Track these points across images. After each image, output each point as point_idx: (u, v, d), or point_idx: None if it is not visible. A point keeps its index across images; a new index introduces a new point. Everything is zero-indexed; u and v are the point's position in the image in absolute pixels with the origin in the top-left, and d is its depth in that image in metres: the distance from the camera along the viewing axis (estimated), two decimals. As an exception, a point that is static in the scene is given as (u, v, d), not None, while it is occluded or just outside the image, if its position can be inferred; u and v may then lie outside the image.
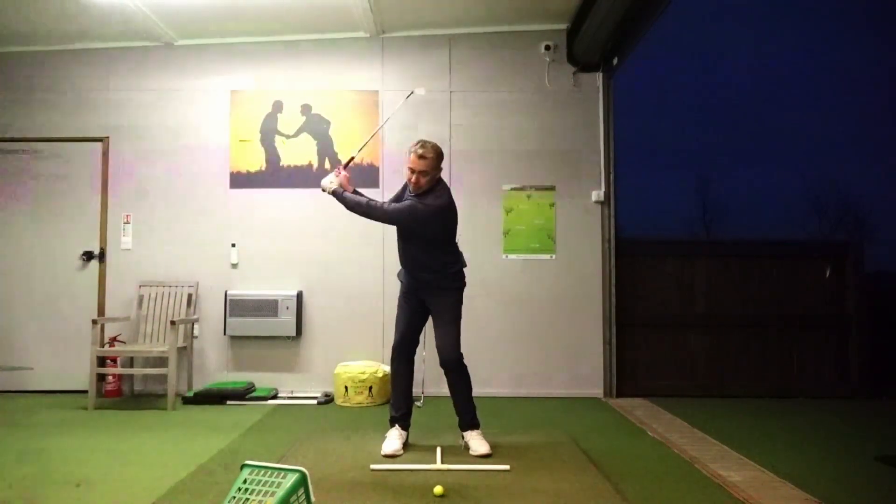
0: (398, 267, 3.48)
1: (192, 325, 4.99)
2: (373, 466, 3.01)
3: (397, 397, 3.40)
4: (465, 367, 3.35)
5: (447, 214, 3.28)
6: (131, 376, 4.93)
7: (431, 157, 3.19)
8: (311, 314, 5.06)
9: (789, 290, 5.21)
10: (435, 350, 3.33)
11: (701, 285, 5.22)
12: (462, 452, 3.26)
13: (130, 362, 4.88)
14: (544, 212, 5.11)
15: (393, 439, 3.30)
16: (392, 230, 3.41)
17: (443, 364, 3.32)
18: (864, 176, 42.39)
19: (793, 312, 5.19)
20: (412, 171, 3.20)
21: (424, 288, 3.35)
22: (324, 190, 3.33)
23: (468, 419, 3.37)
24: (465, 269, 3.41)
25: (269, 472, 2.17)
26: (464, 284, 3.40)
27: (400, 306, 3.44)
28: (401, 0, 4.67)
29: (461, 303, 3.38)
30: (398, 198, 3.44)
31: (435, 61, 5.17)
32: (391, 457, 3.18)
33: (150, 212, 5.10)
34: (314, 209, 5.08)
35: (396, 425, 3.37)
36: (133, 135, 5.13)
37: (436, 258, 3.30)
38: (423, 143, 3.23)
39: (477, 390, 3.43)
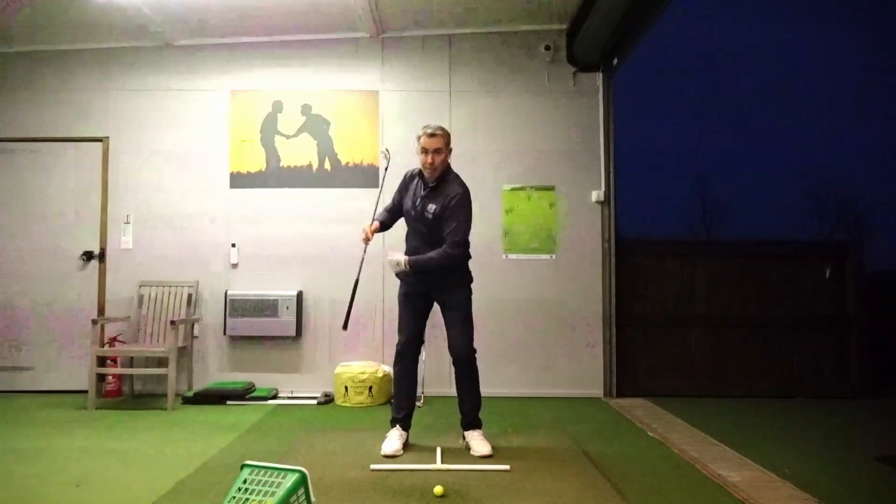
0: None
1: (192, 325, 4.99)
2: (373, 466, 3.01)
3: (400, 398, 3.39)
4: (476, 362, 3.36)
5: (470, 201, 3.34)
6: (131, 376, 4.93)
7: (441, 133, 3.24)
8: (311, 314, 5.05)
9: (789, 290, 5.21)
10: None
11: (701, 285, 5.21)
12: (462, 452, 3.26)
13: (130, 362, 4.88)
14: (544, 212, 5.11)
15: (393, 439, 3.29)
16: (398, 228, 3.41)
17: (458, 359, 3.32)
18: (864, 176, 42.39)
19: (793, 312, 5.18)
20: (426, 151, 3.22)
21: (437, 285, 3.32)
22: (398, 272, 3.31)
23: (472, 417, 3.37)
24: None
25: (269, 472, 2.17)
26: (472, 280, 3.42)
27: (405, 307, 3.39)
28: (401, 0, 4.67)
29: (471, 299, 3.40)
30: (397, 203, 3.45)
31: (435, 61, 5.17)
32: (391, 457, 3.18)
33: (150, 212, 5.10)
34: (314, 209, 5.09)
35: (397, 425, 3.37)
36: (133, 135, 5.13)
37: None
38: (428, 125, 3.27)
39: (477, 390, 3.43)
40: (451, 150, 3.31)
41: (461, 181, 3.33)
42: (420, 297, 3.38)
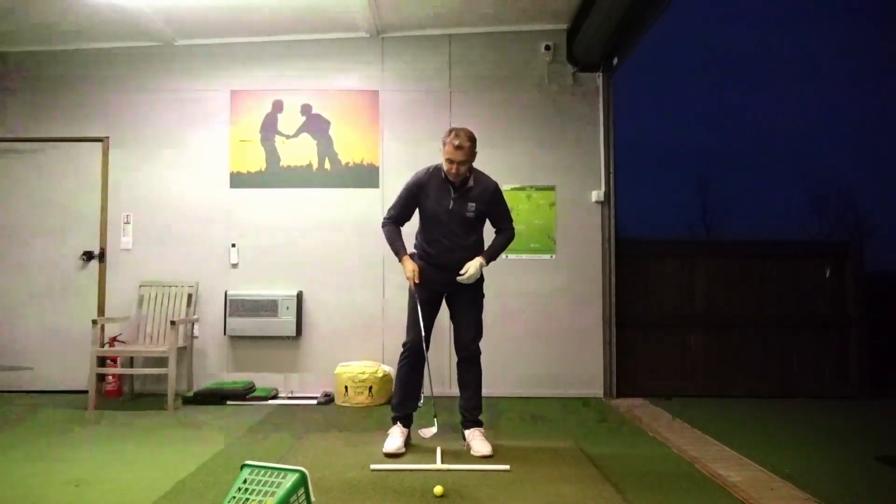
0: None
1: (192, 325, 4.99)
2: (373, 466, 3.00)
3: (404, 398, 3.38)
4: (480, 361, 3.39)
5: None
6: (131, 376, 4.92)
7: (468, 145, 3.18)
8: (311, 314, 5.05)
9: (789, 290, 5.21)
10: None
11: (701, 285, 5.21)
12: (462, 452, 3.26)
13: (130, 362, 4.88)
14: (544, 212, 5.11)
15: (395, 437, 3.29)
16: (412, 224, 3.43)
17: (466, 356, 3.35)
18: (865, 176, 42.38)
19: (793, 312, 5.18)
20: (451, 161, 3.18)
21: (463, 283, 3.30)
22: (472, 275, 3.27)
23: (475, 415, 3.37)
24: None
25: (269, 472, 2.17)
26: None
27: (422, 305, 3.29)
28: (401, 0, 4.66)
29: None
30: (410, 208, 3.38)
31: (435, 61, 5.17)
32: (393, 455, 3.18)
33: (150, 212, 5.10)
34: (314, 209, 5.08)
35: (399, 423, 3.37)
36: (133, 135, 5.13)
37: (482, 247, 3.37)
38: (457, 133, 3.18)
39: (479, 390, 3.42)
40: (475, 154, 3.26)
41: (481, 172, 3.37)
42: (436, 302, 3.38)
